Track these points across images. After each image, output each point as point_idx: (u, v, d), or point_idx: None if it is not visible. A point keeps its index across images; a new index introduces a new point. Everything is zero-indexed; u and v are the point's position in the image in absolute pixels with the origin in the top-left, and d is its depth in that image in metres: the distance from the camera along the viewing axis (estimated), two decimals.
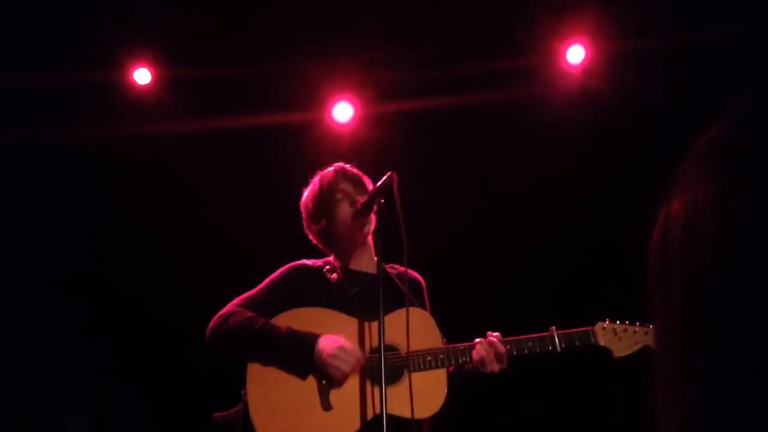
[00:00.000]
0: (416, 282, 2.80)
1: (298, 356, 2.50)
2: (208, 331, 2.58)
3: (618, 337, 2.61)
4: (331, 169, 2.83)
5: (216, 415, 2.58)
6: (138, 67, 4.36)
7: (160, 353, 4.39)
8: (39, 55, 4.12)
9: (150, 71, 4.37)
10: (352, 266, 2.78)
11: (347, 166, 2.84)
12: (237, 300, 2.64)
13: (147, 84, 4.39)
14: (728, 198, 0.55)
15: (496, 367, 2.55)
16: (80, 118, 4.30)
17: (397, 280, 2.70)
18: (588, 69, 4.32)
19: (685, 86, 3.96)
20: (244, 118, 4.43)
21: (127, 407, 4.46)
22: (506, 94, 4.33)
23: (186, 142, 4.39)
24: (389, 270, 2.77)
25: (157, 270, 4.45)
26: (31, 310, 4.43)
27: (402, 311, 2.55)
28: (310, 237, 2.87)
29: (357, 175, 2.80)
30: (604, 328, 2.61)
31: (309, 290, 2.66)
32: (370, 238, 2.79)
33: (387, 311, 2.50)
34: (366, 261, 2.79)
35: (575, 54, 4.31)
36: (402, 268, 2.76)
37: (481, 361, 2.54)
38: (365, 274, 2.76)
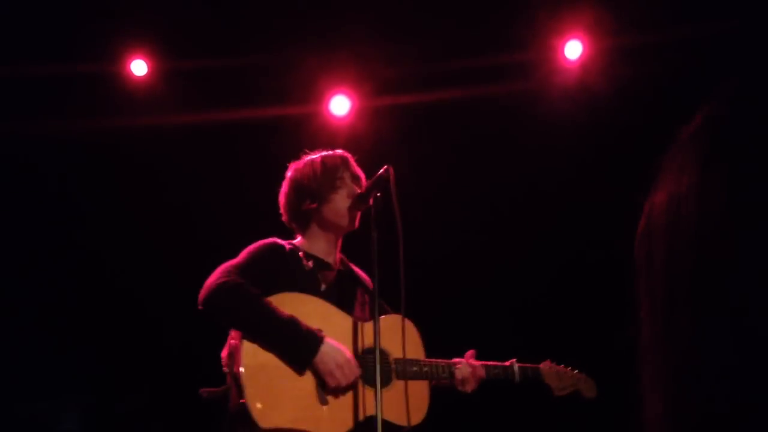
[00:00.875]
0: (367, 281, 2.76)
1: (300, 353, 2.45)
2: (205, 294, 2.45)
3: (559, 378, 2.88)
4: (336, 153, 2.75)
5: (202, 390, 2.52)
6: (135, 59, 4.34)
7: (155, 344, 4.38)
8: (35, 46, 4.11)
9: (146, 63, 4.36)
10: (323, 256, 2.71)
11: (350, 156, 2.78)
12: (227, 267, 2.51)
13: (143, 75, 4.38)
14: (709, 184, 0.55)
15: (470, 388, 2.71)
16: (76, 109, 4.29)
17: (359, 278, 2.72)
18: (585, 64, 4.32)
19: (683, 81, 3.96)
20: (240, 110, 4.42)
21: (120, 399, 4.46)
22: (503, 89, 4.33)
23: (182, 134, 4.38)
24: (349, 266, 2.78)
25: (152, 262, 4.44)
26: (24, 302, 4.42)
27: (390, 317, 2.58)
28: (285, 212, 2.74)
29: (358, 169, 2.75)
30: (549, 368, 2.89)
31: (285, 272, 2.58)
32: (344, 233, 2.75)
33: (354, 311, 2.56)
34: (333, 255, 2.74)
35: (573, 49, 4.31)
36: (356, 268, 2.79)
37: (463, 380, 2.68)
38: (333, 268, 2.72)
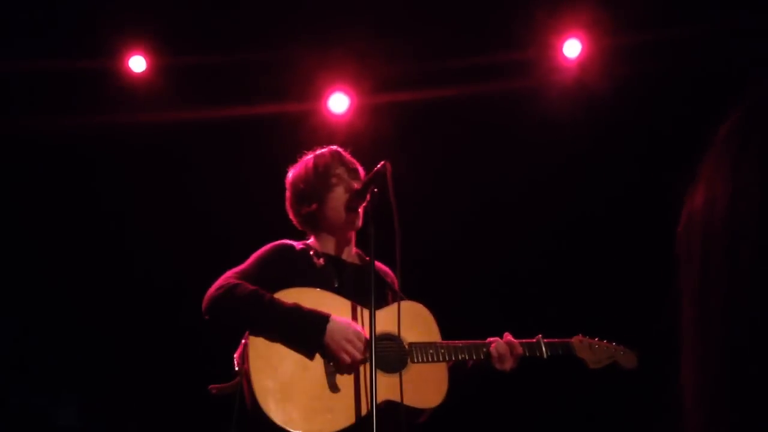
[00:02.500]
0: (391, 276, 2.78)
1: (307, 334, 2.47)
2: (206, 302, 2.53)
3: (592, 351, 2.82)
4: (326, 150, 2.78)
5: (211, 387, 2.54)
6: (133, 55, 4.34)
7: (150, 339, 4.39)
8: (33, 43, 4.10)
9: (145, 59, 4.35)
10: (335, 253, 2.74)
11: (342, 150, 2.80)
12: (229, 273, 2.59)
13: (142, 72, 4.37)
14: (741, 182, 0.56)
15: (508, 366, 2.66)
16: (74, 106, 4.28)
17: (380, 274, 2.70)
18: (584, 63, 4.33)
19: (680, 80, 3.97)
20: (239, 107, 4.42)
21: (116, 394, 4.46)
22: (502, 87, 4.33)
23: (180, 131, 4.38)
24: (367, 260, 2.78)
25: (150, 258, 4.44)
26: (22, 296, 4.42)
27: (404, 304, 2.56)
28: (292, 217, 2.80)
29: (351, 161, 2.77)
30: (581, 342, 2.83)
31: (295, 271, 2.62)
32: (352, 230, 2.77)
33: (369, 302, 2.53)
34: (347, 250, 2.77)
35: (572, 48, 4.32)
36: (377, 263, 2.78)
37: (500, 357, 2.64)
38: (347, 263, 2.74)
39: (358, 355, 2.46)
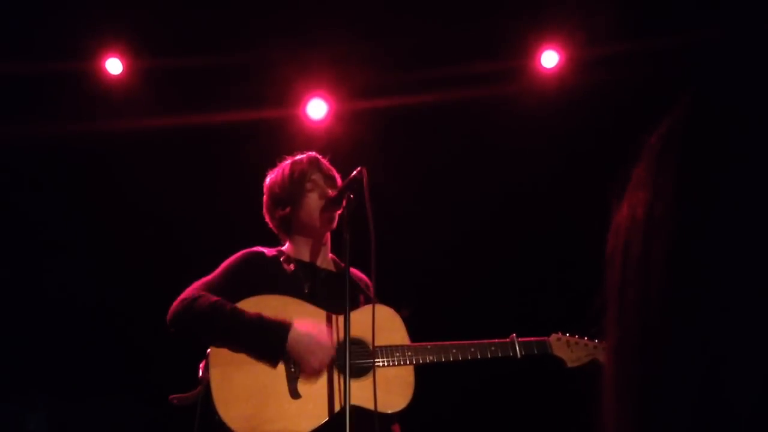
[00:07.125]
0: (365, 282, 2.79)
1: (270, 343, 2.48)
2: (170, 315, 2.55)
3: (570, 349, 2.76)
4: (303, 156, 2.81)
5: (171, 397, 2.54)
6: (110, 57, 4.29)
7: (119, 344, 4.34)
8: (3, 43, 4.02)
9: (122, 61, 4.31)
10: (309, 259, 2.75)
11: (320, 156, 2.82)
12: (196, 284, 2.60)
13: (119, 74, 4.33)
14: (661, 185, 0.57)
15: None
16: (48, 109, 4.22)
17: (355, 279, 2.70)
18: (561, 72, 4.36)
19: (657, 89, 4.01)
20: (217, 113, 4.39)
21: (86, 399, 4.40)
22: (480, 95, 4.36)
23: (157, 135, 4.34)
24: (342, 266, 2.78)
25: (125, 263, 4.40)
26: None
27: (368, 308, 2.56)
28: (268, 220, 2.83)
29: (329, 168, 2.79)
30: (558, 340, 2.77)
31: (264, 279, 2.63)
32: (328, 234, 2.77)
33: (342, 308, 2.52)
34: (322, 256, 2.78)
35: (549, 58, 4.36)
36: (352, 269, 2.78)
37: None
38: (320, 269, 2.75)
39: (317, 365, 2.47)
